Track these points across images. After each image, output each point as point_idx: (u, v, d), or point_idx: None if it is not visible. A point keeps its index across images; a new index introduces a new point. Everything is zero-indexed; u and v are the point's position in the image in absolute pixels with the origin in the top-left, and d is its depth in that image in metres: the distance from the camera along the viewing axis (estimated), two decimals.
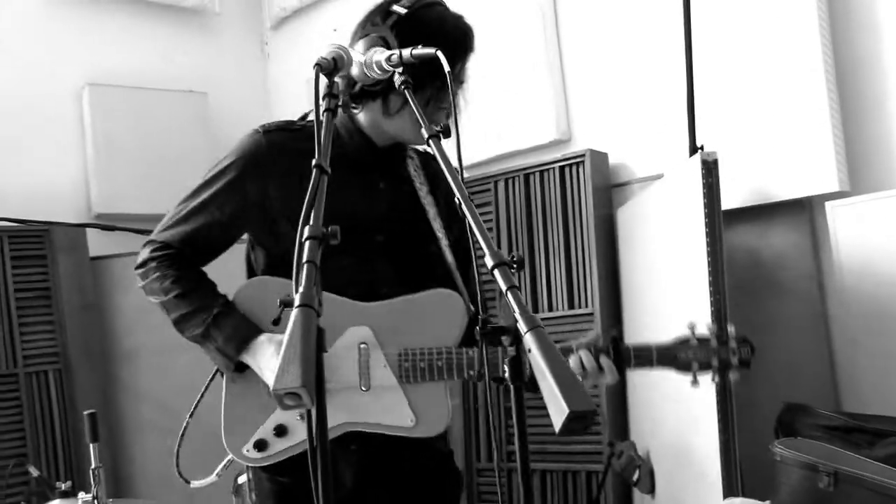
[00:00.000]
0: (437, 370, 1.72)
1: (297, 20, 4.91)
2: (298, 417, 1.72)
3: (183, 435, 1.88)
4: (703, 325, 1.75)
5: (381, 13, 1.75)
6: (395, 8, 1.74)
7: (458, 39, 1.78)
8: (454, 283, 1.83)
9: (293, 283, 1.15)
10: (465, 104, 1.86)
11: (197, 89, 4.59)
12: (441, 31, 1.73)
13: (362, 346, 1.73)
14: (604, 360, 1.70)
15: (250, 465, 1.80)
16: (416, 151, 1.99)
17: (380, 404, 1.71)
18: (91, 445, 2.32)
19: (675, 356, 1.72)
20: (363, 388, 1.71)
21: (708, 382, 1.76)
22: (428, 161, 1.97)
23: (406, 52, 1.55)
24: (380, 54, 1.60)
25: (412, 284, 1.81)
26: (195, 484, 1.94)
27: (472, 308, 1.80)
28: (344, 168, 1.78)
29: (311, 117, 1.81)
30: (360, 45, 1.68)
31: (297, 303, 1.10)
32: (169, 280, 1.78)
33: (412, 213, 1.87)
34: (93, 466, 2.32)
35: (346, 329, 1.73)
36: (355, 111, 1.85)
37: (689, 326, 1.74)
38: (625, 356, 1.72)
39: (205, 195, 1.81)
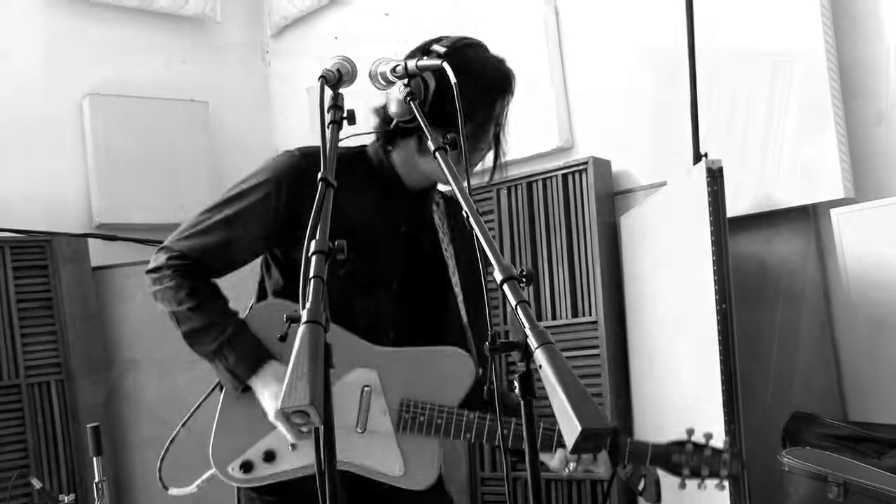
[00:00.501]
0: (435, 427, 1.72)
1: (298, 29, 4.90)
2: (290, 446, 1.72)
3: (172, 441, 1.87)
4: (700, 434, 1.80)
5: (421, 52, 1.73)
6: (436, 47, 1.72)
7: (497, 81, 1.77)
8: (465, 338, 1.82)
9: (300, 297, 1.14)
10: (507, 149, 1.87)
11: (198, 98, 4.58)
12: (481, 74, 1.72)
13: (366, 388, 1.72)
14: (600, 453, 1.71)
15: (232, 484, 1.78)
16: (444, 197, 1.96)
17: (372, 449, 1.71)
18: (94, 459, 2.31)
19: (668, 458, 1.77)
20: (359, 430, 1.70)
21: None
22: (453, 208, 1.95)
23: (411, 64, 1.54)
24: (384, 65, 1.58)
25: (421, 332, 1.80)
26: (173, 492, 1.93)
27: (480, 371, 1.79)
28: (370, 202, 1.75)
29: (344, 143, 1.80)
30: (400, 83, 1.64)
31: (304, 319, 1.08)
32: (184, 291, 1.74)
33: (430, 261, 1.85)
34: (96, 480, 2.31)
35: (354, 368, 1.73)
36: (390, 150, 1.83)
37: (687, 432, 1.78)
38: (621, 450, 1.75)
39: (231, 210, 1.76)
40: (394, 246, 1.82)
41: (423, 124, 1.47)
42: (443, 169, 1.38)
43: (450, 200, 1.97)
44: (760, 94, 3.07)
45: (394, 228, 1.83)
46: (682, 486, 1.78)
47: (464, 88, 1.49)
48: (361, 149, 1.86)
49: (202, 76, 4.73)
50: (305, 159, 1.77)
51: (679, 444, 1.76)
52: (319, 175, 1.28)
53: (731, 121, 3.14)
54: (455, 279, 1.84)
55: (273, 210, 1.75)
